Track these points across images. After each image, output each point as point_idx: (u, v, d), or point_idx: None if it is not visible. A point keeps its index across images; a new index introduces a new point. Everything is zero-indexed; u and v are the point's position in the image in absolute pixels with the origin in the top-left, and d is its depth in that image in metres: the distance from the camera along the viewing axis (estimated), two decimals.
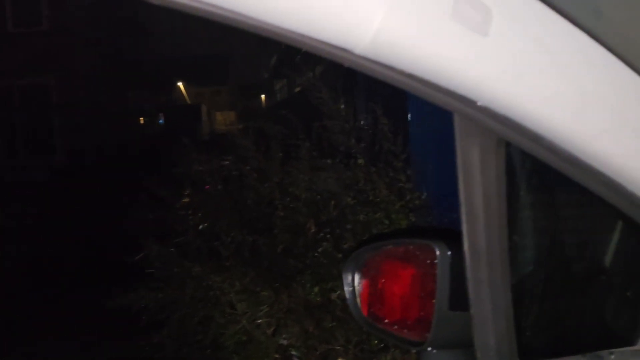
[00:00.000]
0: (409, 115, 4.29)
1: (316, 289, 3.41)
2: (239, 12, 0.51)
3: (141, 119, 27.22)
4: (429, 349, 0.94)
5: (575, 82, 0.64)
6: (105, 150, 17.18)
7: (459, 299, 0.85)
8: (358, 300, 1.06)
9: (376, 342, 3.20)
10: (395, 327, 1.01)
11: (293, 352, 3.27)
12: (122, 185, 11.62)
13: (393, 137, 3.67)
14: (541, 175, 1.01)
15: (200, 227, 4.06)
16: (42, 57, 16.64)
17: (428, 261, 0.94)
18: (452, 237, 0.91)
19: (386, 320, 1.02)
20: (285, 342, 3.33)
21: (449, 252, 0.91)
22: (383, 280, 1.06)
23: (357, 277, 1.07)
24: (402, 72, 0.59)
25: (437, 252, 0.91)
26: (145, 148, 17.03)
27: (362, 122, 4.06)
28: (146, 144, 18.40)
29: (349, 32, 0.53)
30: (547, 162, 0.71)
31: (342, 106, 3.95)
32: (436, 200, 3.76)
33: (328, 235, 3.51)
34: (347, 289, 1.07)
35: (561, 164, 0.71)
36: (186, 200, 4.43)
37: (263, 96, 32.00)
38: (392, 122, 3.79)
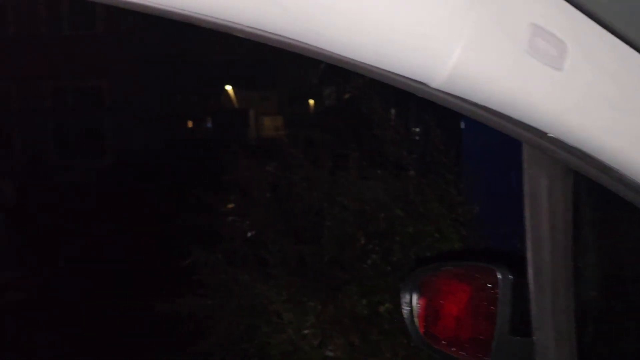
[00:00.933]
0: (462, 127, 4.22)
1: (363, 301, 3.36)
2: (314, 45, 0.54)
3: (189, 122, 27.71)
4: None
5: None
6: (153, 153, 17.55)
7: (520, 324, 0.85)
8: (416, 320, 1.06)
9: (425, 358, 3.13)
10: (453, 349, 1.01)
11: None
12: (169, 189, 11.87)
13: (445, 148, 3.61)
14: (608, 204, 0.99)
15: (248, 234, 4.08)
16: (95, 60, 17.13)
17: (488, 285, 0.94)
18: (513, 261, 0.91)
19: (444, 342, 1.03)
20: (331, 354, 3.30)
21: (511, 277, 0.90)
22: (441, 301, 1.06)
23: (415, 297, 1.07)
24: (475, 105, 0.61)
25: (500, 277, 0.90)
26: (192, 152, 17.30)
27: (413, 133, 4.01)
28: (193, 148, 18.70)
29: (426, 66, 0.56)
30: (616, 192, 0.71)
31: (394, 116, 3.91)
32: (488, 215, 3.68)
33: (376, 247, 3.46)
34: (405, 309, 1.07)
35: (629, 194, 0.71)
36: (232, 206, 4.46)
37: (311, 102, 32.13)
38: (445, 134, 3.73)
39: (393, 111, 3.91)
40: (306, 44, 0.54)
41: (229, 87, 36.05)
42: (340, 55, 0.55)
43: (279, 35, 0.53)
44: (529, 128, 0.64)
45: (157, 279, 4.46)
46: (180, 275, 3.75)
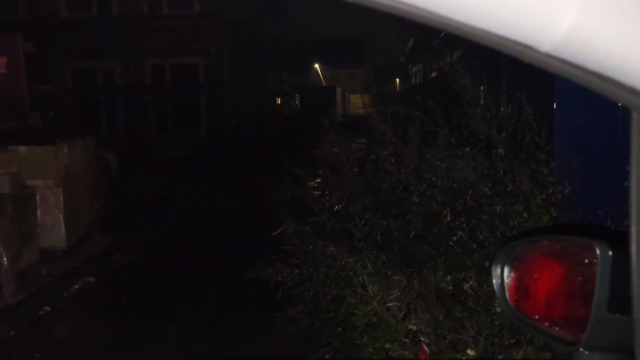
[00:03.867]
0: (555, 105, 4.10)
1: (448, 278, 3.39)
2: (424, 9, 0.53)
3: (278, 99, 28.19)
4: (582, 349, 0.93)
5: None
6: (246, 128, 18.03)
7: (619, 301, 0.83)
8: (507, 293, 1.05)
9: (509, 337, 3.13)
10: (547, 324, 1.00)
11: (422, 339, 3.28)
12: (260, 163, 12.22)
13: (537, 127, 3.53)
14: None
15: (336, 208, 4.17)
16: (192, 38, 17.73)
17: (586, 260, 0.92)
18: (613, 236, 0.88)
19: (537, 316, 1.02)
20: (414, 327, 3.36)
21: (611, 253, 0.87)
22: (535, 276, 1.04)
23: (506, 270, 1.06)
24: (585, 70, 0.58)
25: (598, 252, 0.88)
26: (281, 127, 17.62)
27: (504, 111, 3.94)
28: (283, 124, 19.03)
29: (538, 30, 0.53)
30: None
31: (484, 93, 3.85)
32: (580, 196, 3.58)
33: (463, 225, 3.46)
34: (496, 282, 1.06)
35: None
36: (320, 180, 4.56)
37: (397, 80, 31.74)
38: (537, 112, 3.64)
39: (483, 89, 3.84)
40: (416, 7, 0.53)
41: (317, 65, 36.24)
42: (449, 18, 0.53)
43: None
44: None
45: (250, 248, 4.66)
46: (272, 245, 3.91)
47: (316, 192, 4.45)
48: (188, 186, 11.22)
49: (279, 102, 28.48)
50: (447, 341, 3.32)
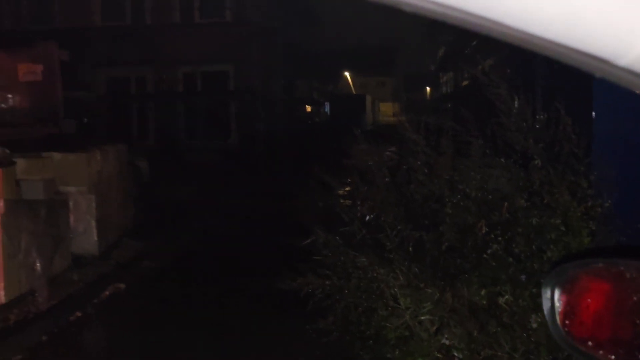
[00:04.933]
0: (594, 115, 3.99)
1: (482, 292, 3.31)
2: (501, 23, 0.50)
3: (308, 107, 28.28)
4: None
5: None
6: (275, 136, 18.11)
7: None
8: (557, 317, 1.01)
9: (545, 354, 3.04)
10: (601, 352, 0.94)
11: (455, 354, 3.21)
12: (291, 171, 12.24)
13: (576, 138, 3.44)
14: None
15: (367, 218, 4.13)
16: (223, 46, 17.90)
17: None
18: None
19: (590, 343, 0.96)
20: (447, 342, 3.29)
21: None
22: (589, 300, 0.99)
23: (557, 293, 1.01)
24: None
25: None
26: (311, 135, 17.66)
27: (541, 121, 3.85)
28: (312, 132, 19.07)
29: (617, 42, 0.50)
30: None
31: (520, 102, 3.77)
32: (620, 209, 3.48)
33: (499, 238, 3.38)
34: (545, 305, 1.01)
35: None
36: (352, 189, 4.52)
37: (428, 88, 31.58)
38: (575, 123, 3.55)
39: (519, 98, 3.76)
40: (488, 19, 0.50)
41: (347, 73, 36.28)
42: (522, 31, 0.51)
43: (459, 11, 0.50)
44: None
45: (280, 257, 4.64)
46: (302, 254, 3.88)
47: (346, 202, 4.41)
48: (218, 193, 11.29)
49: (309, 109, 28.58)
50: (481, 357, 3.24)
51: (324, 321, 3.56)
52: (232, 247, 7.79)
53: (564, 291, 1.01)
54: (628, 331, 0.94)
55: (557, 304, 1.01)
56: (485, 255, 3.38)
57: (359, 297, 3.56)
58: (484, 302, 3.29)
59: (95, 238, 6.93)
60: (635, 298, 0.91)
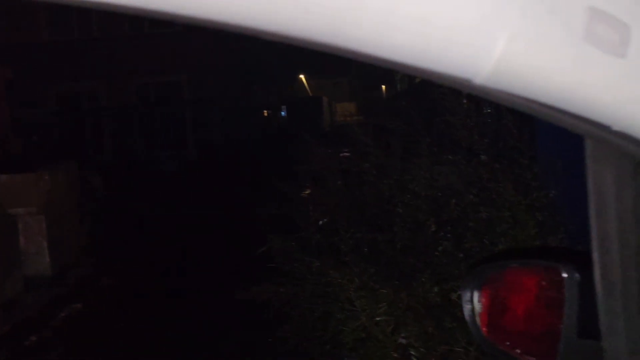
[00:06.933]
0: None
1: (436, 289, 3.34)
2: (346, 47, 0.50)
3: (265, 112, 28.17)
4: None
5: None
6: (233, 144, 17.99)
7: (589, 326, 0.79)
8: (477, 319, 1.02)
9: None
10: (518, 351, 0.96)
11: (412, 352, 3.23)
12: (246, 178, 12.17)
13: (518, 132, 3.51)
14: None
15: (320, 222, 4.13)
16: (175, 55, 17.71)
17: (556, 285, 0.89)
18: (581, 259, 0.84)
19: (508, 343, 0.98)
20: (404, 341, 3.30)
21: (578, 276, 0.85)
22: (504, 300, 1.01)
23: (476, 295, 1.02)
24: (526, 99, 0.55)
25: (565, 275, 0.86)
26: (267, 141, 17.62)
27: (485, 117, 3.92)
28: (269, 137, 19.02)
29: (467, 63, 0.50)
30: None
31: (464, 100, 3.83)
32: (565, 199, 3.56)
33: (449, 235, 3.42)
34: (466, 307, 1.03)
35: None
36: (306, 194, 4.53)
37: (384, 87, 31.83)
38: (517, 117, 3.62)
39: (464, 95, 3.82)
40: (336, 45, 0.50)
41: (302, 76, 36.32)
42: (375, 55, 0.50)
43: (304, 37, 0.49)
44: (590, 121, 0.58)
45: (236, 267, 4.61)
46: (258, 263, 3.85)
47: (302, 207, 4.41)
48: (176, 204, 11.15)
49: (266, 114, 28.46)
50: (438, 353, 3.27)
51: (281, 329, 3.54)
52: (190, 259, 7.69)
53: (482, 293, 1.02)
54: (543, 329, 0.95)
55: (476, 305, 1.02)
56: (436, 253, 3.42)
57: (315, 302, 3.56)
58: (438, 299, 3.32)
59: (48, 259, 6.75)
60: (547, 296, 0.93)
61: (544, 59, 0.51)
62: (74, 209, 7.74)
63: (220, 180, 12.76)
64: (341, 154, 4.77)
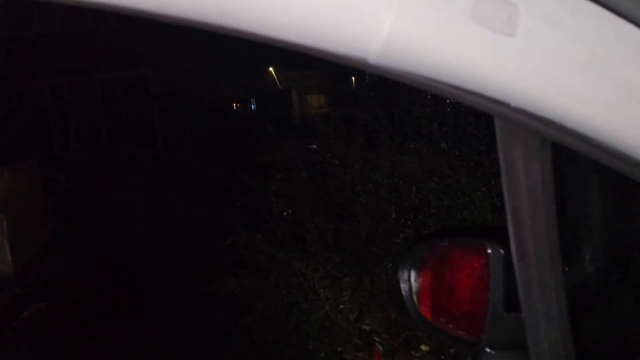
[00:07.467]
0: None
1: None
2: (242, 29, 0.51)
3: (234, 105, 27.99)
4: (486, 349, 0.93)
5: (618, 74, 0.59)
6: (201, 138, 17.85)
7: (514, 300, 0.82)
8: (414, 297, 1.05)
9: None
10: (451, 326, 0.99)
11: (375, 338, 3.27)
12: (214, 172, 12.07)
13: (475, 120, 3.56)
14: (591, 173, 0.95)
15: (285, 213, 4.14)
16: (140, 49, 17.44)
17: (483, 261, 0.92)
18: (506, 235, 0.89)
19: (442, 319, 1.01)
20: (367, 328, 3.35)
21: (502, 252, 0.87)
22: (439, 278, 1.04)
23: (413, 274, 1.05)
24: (425, 77, 0.56)
25: (490, 252, 0.89)
26: (236, 134, 17.51)
27: (444, 106, 3.97)
28: (237, 131, 18.91)
29: (358, 42, 0.51)
30: (597, 159, 0.66)
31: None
32: None
33: (409, 222, 3.47)
34: (403, 286, 1.05)
35: (611, 161, 0.66)
36: (271, 186, 4.53)
37: (353, 78, 31.83)
38: None
39: None
40: (228, 26, 0.50)
41: (271, 69, 36.15)
42: (268, 35, 0.51)
43: (195, 19, 0.50)
44: (490, 99, 0.59)
45: (205, 260, 4.58)
46: (227, 256, 3.84)
47: (268, 199, 4.41)
48: (143, 200, 11.01)
49: (235, 108, 28.28)
50: (400, 339, 3.31)
51: (243, 321, 3.55)
52: (157, 254, 7.62)
53: (418, 273, 1.04)
54: (474, 304, 0.98)
55: (413, 284, 1.04)
56: (398, 240, 3.46)
57: (279, 292, 3.57)
58: None
59: (10, 258, 6.61)
60: (477, 273, 0.96)
61: (431, 37, 0.52)
62: (37, 207, 7.61)
63: (188, 174, 12.64)
64: (309, 146, 4.78)
